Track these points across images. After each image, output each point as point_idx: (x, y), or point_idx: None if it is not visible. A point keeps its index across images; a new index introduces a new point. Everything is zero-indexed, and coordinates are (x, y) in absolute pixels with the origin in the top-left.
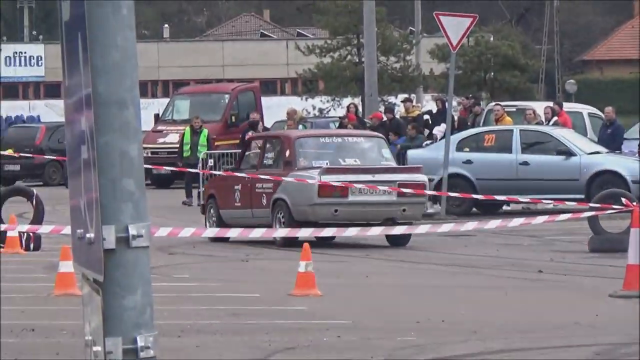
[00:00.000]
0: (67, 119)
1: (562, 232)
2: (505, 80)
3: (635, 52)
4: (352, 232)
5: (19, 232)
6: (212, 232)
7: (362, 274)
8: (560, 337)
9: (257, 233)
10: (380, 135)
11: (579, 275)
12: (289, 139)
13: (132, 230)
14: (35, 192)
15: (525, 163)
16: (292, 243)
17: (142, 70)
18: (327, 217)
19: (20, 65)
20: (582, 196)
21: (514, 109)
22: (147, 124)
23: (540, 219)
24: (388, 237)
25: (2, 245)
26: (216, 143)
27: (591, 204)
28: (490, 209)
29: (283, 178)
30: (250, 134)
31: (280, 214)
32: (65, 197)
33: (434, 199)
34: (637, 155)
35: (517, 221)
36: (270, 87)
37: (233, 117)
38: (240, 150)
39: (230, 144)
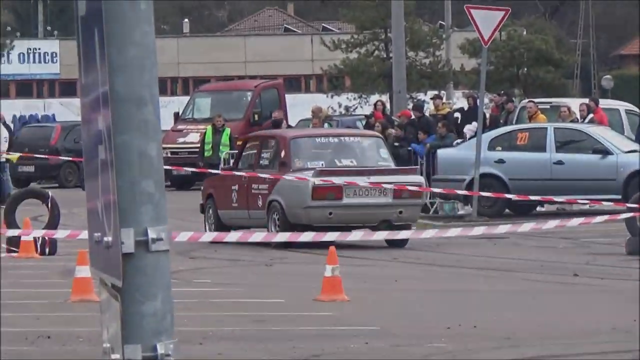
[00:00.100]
0: (83, 118)
1: (599, 234)
2: (538, 76)
3: None
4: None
5: (34, 237)
6: (235, 236)
7: (390, 278)
8: (596, 344)
9: (281, 237)
10: (379, 134)
11: (615, 278)
12: (284, 139)
13: (152, 234)
14: (50, 194)
15: (560, 162)
16: (287, 244)
17: (161, 67)
18: (322, 219)
19: (34, 62)
20: (619, 197)
21: (548, 106)
22: (167, 122)
23: (576, 221)
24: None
25: (16, 250)
26: (238, 142)
27: (628, 205)
28: (524, 210)
29: (278, 179)
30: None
31: (275, 215)
32: (82, 199)
33: (465, 200)
34: None
35: (551, 223)
36: (295, 84)
37: (256, 116)
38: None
39: None
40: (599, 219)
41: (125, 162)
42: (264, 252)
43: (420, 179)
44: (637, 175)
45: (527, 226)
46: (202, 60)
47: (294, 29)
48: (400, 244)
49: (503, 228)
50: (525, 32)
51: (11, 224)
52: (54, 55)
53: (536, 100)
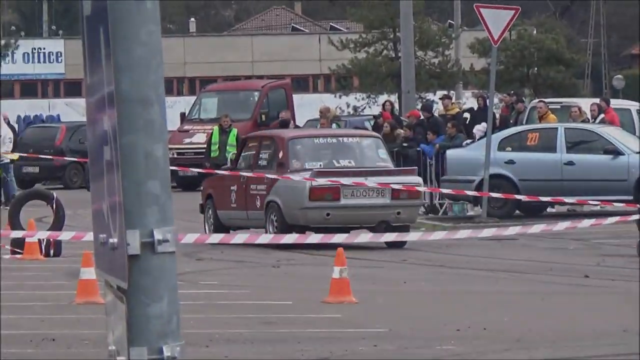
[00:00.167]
0: (88, 118)
1: (610, 236)
2: (549, 76)
3: None
4: (389, 237)
5: (39, 238)
6: (242, 238)
7: (399, 279)
8: (607, 346)
9: (289, 239)
10: (377, 135)
11: (627, 280)
12: (282, 139)
13: (158, 235)
14: (55, 195)
15: (571, 163)
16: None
17: (167, 67)
18: (319, 220)
19: (39, 62)
20: (631, 197)
21: (559, 106)
22: (173, 123)
23: (587, 222)
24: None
25: (21, 251)
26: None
27: None
28: (534, 211)
29: (276, 180)
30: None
31: (273, 216)
32: (87, 200)
33: (475, 201)
34: None
35: (562, 224)
36: (302, 84)
37: (263, 116)
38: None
39: None
40: (610, 220)
41: (131, 163)
42: (271, 254)
43: (419, 179)
44: None
45: (537, 227)
46: (208, 59)
47: (302, 28)
48: (399, 244)
49: (513, 229)
50: (535, 32)
51: (16, 225)
52: (59, 55)
53: (546, 100)
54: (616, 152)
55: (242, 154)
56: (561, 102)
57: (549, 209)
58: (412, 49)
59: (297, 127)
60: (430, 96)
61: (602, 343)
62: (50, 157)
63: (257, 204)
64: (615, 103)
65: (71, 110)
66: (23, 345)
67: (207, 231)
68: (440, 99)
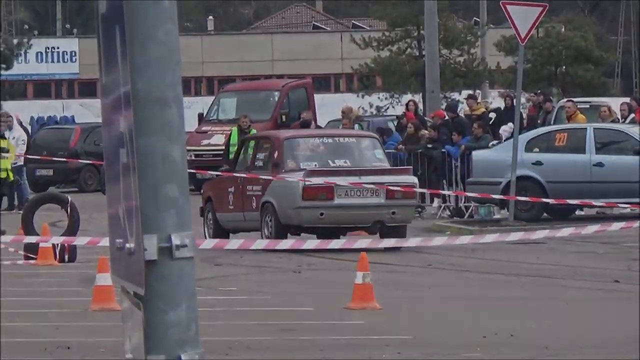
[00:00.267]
0: (104, 119)
1: None
2: (577, 75)
3: None
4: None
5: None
6: (262, 243)
7: (423, 285)
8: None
9: (310, 244)
10: (374, 135)
11: None
12: (278, 139)
13: (176, 240)
14: (69, 199)
15: (600, 164)
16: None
17: (184, 66)
18: (313, 220)
19: (52, 61)
20: None
21: (588, 106)
22: (191, 124)
23: (617, 225)
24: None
25: (34, 256)
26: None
27: None
28: (562, 214)
29: (271, 180)
30: None
31: (268, 217)
32: (102, 204)
33: (502, 204)
34: None
35: (591, 228)
36: (324, 83)
37: (283, 117)
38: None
39: None
40: None
41: (148, 166)
42: (292, 259)
43: (413, 179)
44: None
45: (565, 231)
46: (227, 59)
47: (323, 26)
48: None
49: (541, 233)
50: (563, 29)
51: (29, 229)
52: (73, 54)
53: (575, 99)
54: None
55: (240, 156)
56: (590, 102)
57: (577, 212)
58: (437, 47)
59: (318, 127)
60: (455, 96)
61: (633, 349)
62: (65, 159)
63: (253, 205)
64: None
65: (86, 111)
66: (37, 354)
67: (206, 235)
68: (465, 99)
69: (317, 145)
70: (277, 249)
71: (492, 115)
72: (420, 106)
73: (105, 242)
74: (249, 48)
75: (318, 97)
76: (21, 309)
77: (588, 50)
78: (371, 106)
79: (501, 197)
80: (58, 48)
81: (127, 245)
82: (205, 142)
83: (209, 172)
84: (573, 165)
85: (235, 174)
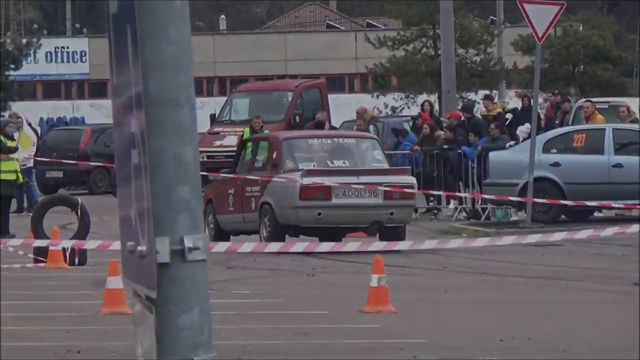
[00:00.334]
0: (115, 120)
1: None
2: (596, 74)
3: None
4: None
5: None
6: (276, 246)
7: (440, 287)
8: None
9: (324, 247)
10: (374, 136)
11: None
12: (277, 140)
13: (188, 242)
14: (80, 201)
15: (619, 165)
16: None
17: (196, 66)
18: (311, 220)
19: (62, 61)
20: None
21: (606, 106)
22: (203, 125)
23: (636, 227)
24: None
25: (44, 259)
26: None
27: None
28: (580, 216)
29: (269, 181)
30: None
31: (266, 218)
32: (113, 206)
33: (519, 205)
34: None
35: (610, 230)
36: (338, 83)
37: (297, 117)
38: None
39: None
40: None
41: (160, 167)
42: (305, 261)
43: (412, 179)
44: None
45: (584, 233)
46: (239, 58)
47: (337, 26)
48: (396, 237)
49: (559, 235)
50: (581, 28)
51: (39, 232)
52: (83, 54)
53: (593, 99)
54: None
55: (241, 157)
56: (609, 102)
57: (596, 214)
58: (453, 47)
59: (332, 128)
60: (471, 96)
61: None
62: (75, 161)
63: (252, 206)
64: None
65: (96, 112)
66: (47, 358)
67: None
68: (481, 99)
69: (316, 146)
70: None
71: (509, 115)
72: (436, 106)
73: (115, 245)
74: (261, 47)
75: (332, 98)
76: (31, 312)
77: (606, 49)
78: (386, 107)
79: (518, 198)
80: (68, 48)
81: (139, 247)
82: (217, 143)
83: (222, 173)
84: (591, 167)
85: (234, 176)
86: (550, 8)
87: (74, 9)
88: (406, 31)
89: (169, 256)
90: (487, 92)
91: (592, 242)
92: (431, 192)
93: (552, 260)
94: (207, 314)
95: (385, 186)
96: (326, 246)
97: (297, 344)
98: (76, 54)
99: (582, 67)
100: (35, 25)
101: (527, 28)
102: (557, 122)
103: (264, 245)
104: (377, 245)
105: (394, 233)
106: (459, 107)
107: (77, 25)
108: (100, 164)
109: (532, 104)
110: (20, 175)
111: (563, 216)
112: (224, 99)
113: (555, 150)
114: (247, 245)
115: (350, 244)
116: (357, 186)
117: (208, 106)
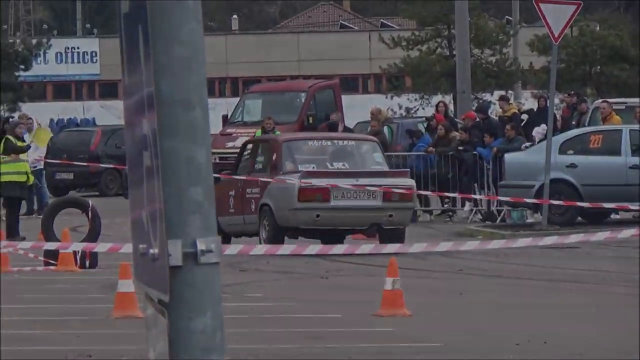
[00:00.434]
0: (126, 121)
1: None
2: (613, 75)
3: None
4: (444, 247)
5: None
6: (289, 249)
7: (455, 291)
8: None
9: (338, 250)
10: (374, 138)
11: None
12: (276, 142)
13: (201, 245)
14: (90, 203)
15: (636, 166)
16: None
17: (208, 67)
18: (309, 222)
19: (72, 62)
20: None
21: (623, 107)
22: (215, 126)
23: None
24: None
25: (54, 262)
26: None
27: None
28: (597, 218)
29: (269, 183)
30: None
31: (265, 221)
32: (124, 208)
33: (535, 207)
34: None
35: (627, 232)
36: (351, 84)
37: (310, 118)
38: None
39: None
40: None
41: (172, 169)
42: (319, 264)
43: (411, 181)
44: None
45: (600, 235)
46: (252, 59)
47: (351, 25)
48: (396, 240)
49: (575, 237)
50: (598, 28)
51: (49, 234)
52: (94, 54)
53: (610, 100)
54: None
55: (242, 159)
56: (626, 102)
57: (612, 216)
58: (468, 47)
59: (347, 129)
60: (487, 97)
61: None
62: (85, 162)
63: (252, 207)
64: None
65: (107, 113)
66: None
67: None
68: (497, 100)
69: (316, 148)
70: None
71: (525, 116)
72: (451, 107)
73: (126, 248)
74: (274, 48)
75: (346, 98)
76: (41, 316)
77: (623, 49)
78: (400, 107)
79: (534, 200)
80: (78, 48)
81: (151, 250)
82: (229, 144)
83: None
84: (608, 168)
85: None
86: (566, 8)
87: (85, 9)
88: (421, 31)
89: (181, 259)
90: (502, 92)
91: (609, 244)
92: (446, 194)
93: (569, 263)
94: (219, 318)
95: (382, 188)
96: (340, 249)
97: (311, 348)
98: (87, 54)
99: (598, 67)
100: (45, 26)
101: (543, 28)
102: (573, 123)
103: (276, 248)
104: (392, 247)
105: (393, 235)
106: (474, 108)
107: (88, 26)
108: (111, 165)
109: (548, 104)
110: (30, 176)
111: (579, 218)
112: (236, 99)
113: (571, 152)
114: (260, 247)
115: (364, 247)
116: (355, 188)
117: (220, 107)
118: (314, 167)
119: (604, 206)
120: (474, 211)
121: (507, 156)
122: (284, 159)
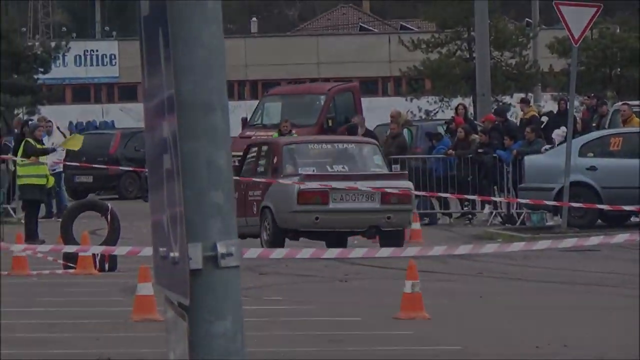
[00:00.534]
0: (146, 124)
1: None
2: (633, 77)
3: None
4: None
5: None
6: (308, 252)
7: (474, 293)
8: None
9: (357, 253)
10: (374, 141)
11: None
12: (277, 145)
13: (221, 248)
14: (110, 206)
15: None
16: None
17: (228, 69)
18: (308, 224)
19: (91, 64)
20: None
21: None
22: (234, 129)
23: None
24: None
25: (74, 265)
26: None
27: None
28: (617, 220)
29: (270, 185)
30: None
31: (266, 221)
32: (143, 211)
33: (555, 210)
34: None
35: None
36: (371, 86)
37: (329, 121)
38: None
39: None
40: None
41: (192, 172)
42: (338, 267)
43: (409, 184)
44: None
45: (620, 237)
46: (271, 61)
47: (370, 28)
48: (396, 244)
49: (595, 240)
50: (618, 30)
51: (68, 237)
52: (113, 57)
53: (631, 102)
54: None
55: (245, 162)
56: None
57: (632, 218)
58: (488, 49)
59: (368, 132)
60: (506, 99)
61: None
62: (105, 165)
63: (253, 209)
64: None
65: (126, 116)
66: None
67: None
68: (517, 102)
69: (317, 151)
70: (323, 258)
71: (545, 118)
72: (471, 110)
73: (146, 251)
74: (293, 50)
75: (365, 101)
76: (60, 319)
77: None
78: (420, 110)
79: (554, 203)
80: (97, 51)
81: (171, 253)
82: None
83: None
84: (628, 171)
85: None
86: (586, 10)
87: (104, 11)
88: (441, 34)
89: (201, 262)
90: (522, 95)
91: (629, 247)
92: (465, 196)
93: (589, 266)
94: (240, 321)
95: (380, 190)
96: (359, 252)
97: (330, 352)
98: (106, 57)
99: (618, 69)
100: (64, 28)
101: (563, 30)
102: (593, 125)
103: (296, 251)
104: (410, 250)
105: (392, 237)
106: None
107: (107, 28)
108: (130, 168)
109: (568, 107)
110: (50, 178)
111: (599, 221)
112: (256, 102)
113: (591, 154)
114: (280, 251)
115: (384, 250)
116: (353, 191)
117: (239, 110)
118: (314, 170)
119: (624, 209)
120: (493, 214)
121: (527, 159)
122: (284, 162)
